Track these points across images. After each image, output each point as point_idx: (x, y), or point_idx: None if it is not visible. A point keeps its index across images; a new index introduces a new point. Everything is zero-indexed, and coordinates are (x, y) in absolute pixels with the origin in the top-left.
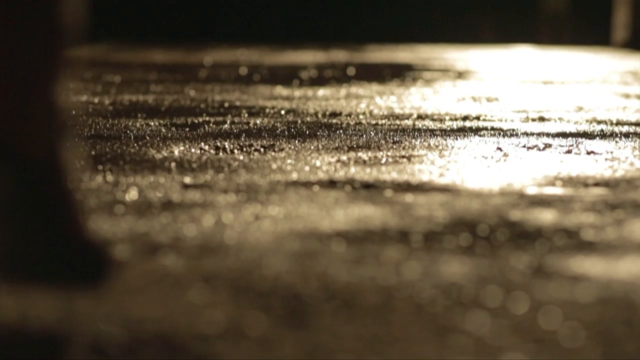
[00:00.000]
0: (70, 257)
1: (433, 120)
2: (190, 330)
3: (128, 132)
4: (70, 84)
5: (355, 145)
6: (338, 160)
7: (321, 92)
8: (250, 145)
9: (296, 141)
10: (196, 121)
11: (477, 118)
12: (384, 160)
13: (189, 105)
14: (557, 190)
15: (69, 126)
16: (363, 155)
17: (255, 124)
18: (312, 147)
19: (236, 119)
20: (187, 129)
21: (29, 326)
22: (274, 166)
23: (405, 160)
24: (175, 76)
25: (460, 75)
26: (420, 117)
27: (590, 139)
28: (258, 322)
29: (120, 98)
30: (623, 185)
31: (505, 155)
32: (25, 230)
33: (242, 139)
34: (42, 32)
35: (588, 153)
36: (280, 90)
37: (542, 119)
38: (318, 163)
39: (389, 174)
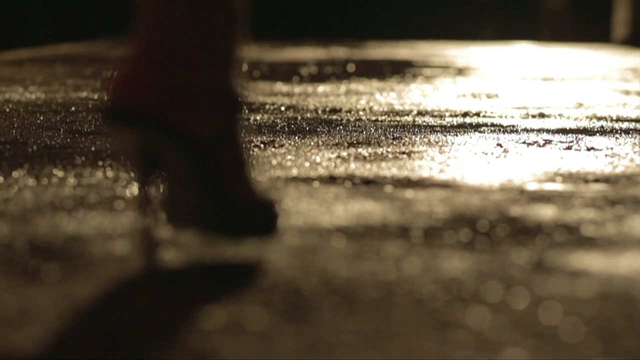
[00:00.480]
0: (248, 215)
1: (433, 116)
2: (190, 326)
3: None
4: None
5: (355, 142)
6: (338, 156)
7: (321, 88)
8: (250, 141)
9: (296, 137)
10: None
11: (477, 114)
12: (384, 157)
13: None
14: (557, 186)
15: (239, 113)
16: (363, 151)
17: (255, 120)
18: (312, 143)
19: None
20: None
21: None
22: (274, 162)
23: (405, 156)
24: None
25: (460, 71)
26: (420, 113)
27: (590, 135)
28: (258, 317)
29: None
30: (623, 181)
31: (506, 151)
32: (207, 194)
33: (242, 135)
34: (223, 27)
35: (588, 149)
36: (280, 86)
37: (542, 115)
38: (318, 159)
39: (389, 170)
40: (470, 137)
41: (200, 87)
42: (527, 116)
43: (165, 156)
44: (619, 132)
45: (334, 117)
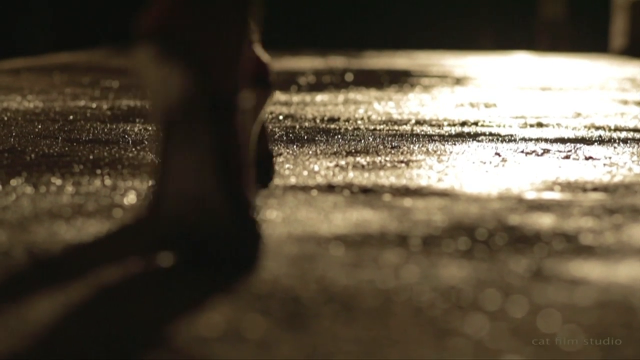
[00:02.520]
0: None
1: (431, 125)
2: (189, 333)
3: (126, 136)
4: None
5: (353, 150)
6: (336, 165)
7: (319, 97)
8: None
9: (294, 146)
10: None
11: (475, 124)
12: (382, 165)
13: None
14: (556, 195)
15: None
16: (361, 160)
17: None
18: (310, 152)
19: None
20: None
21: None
22: None
23: (403, 165)
24: None
25: (458, 81)
26: (418, 122)
27: (588, 144)
28: (257, 325)
29: (118, 103)
30: (621, 190)
31: (504, 160)
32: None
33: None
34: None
35: (586, 158)
36: (279, 95)
37: (540, 124)
38: (316, 168)
39: (388, 179)
40: (469, 146)
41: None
42: (525, 125)
43: None
44: (617, 141)
45: (332, 126)
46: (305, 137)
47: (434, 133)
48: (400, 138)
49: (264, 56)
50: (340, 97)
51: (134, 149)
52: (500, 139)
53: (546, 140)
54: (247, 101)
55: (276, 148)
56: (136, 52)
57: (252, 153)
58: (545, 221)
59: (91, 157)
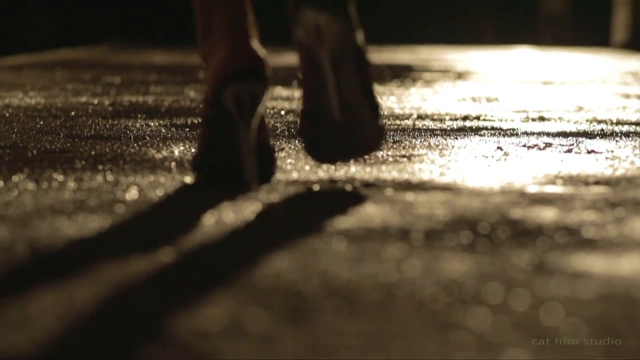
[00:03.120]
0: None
1: (433, 120)
2: (191, 327)
3: (128, 132)
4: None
5: None
6: None
7: None
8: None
9: (296, 141)
10: (196, 121)
11: (477, 118)
12: (384, 160)
13: (188, 105)
14: (558, 189)
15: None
16: None
17: None
18: None
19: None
20: (187, 129)
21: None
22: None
23: (405, 159)
24: (175, 77)
25: (460, 75)
26: (420, 117)
27: (590, 138)
28: (259, 319)
29: (120, 99)
30: (624, 183)
31: (506, 154)
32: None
33: None
34: None
35: (588, 152)
36: (280, 91)
37: (542, 118)
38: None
39: (390, 173)
40: (471, 141)
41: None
42: (527, 119)
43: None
44: (619, 135)
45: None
46: None
47: (436, 127)
48: (402, 132)
49: (261, 51)
50: None
51: (135, 145)
52: (502, 133)
53: (548, 134)
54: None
55: (278, 143)
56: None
57: (253, 148)
58: (547, 215)
59: (93, 153)
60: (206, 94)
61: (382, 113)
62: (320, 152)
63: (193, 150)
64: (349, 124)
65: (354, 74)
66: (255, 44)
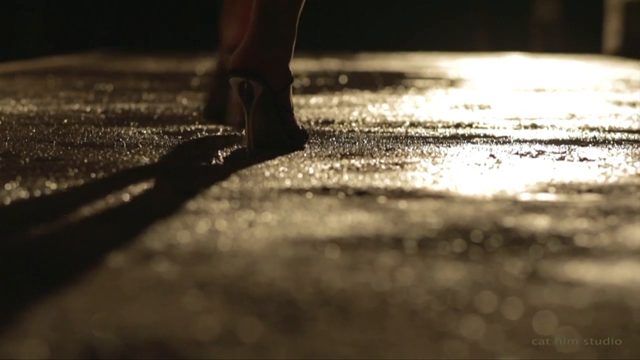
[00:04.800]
0: (297, 136)
1: (426, 127)
2: (184, 337)
3: (121, 140)
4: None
5: (348, 153)
6: (331, 168)
7: (314, 100)
8: (243, 153)
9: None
10: (189, 129)
11: (470, 125)
12: (377, 168)
13: (181, 113)
14: (551, 197)
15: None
16: (356, 162)
17: None
18: (305, 155)
19: (229, 127)
20: (180, 137)
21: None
22: (267, 173)
23: (398, 167)
24: (167, 85)
25: (453, 83)
26: (412, 124)
27: (582, 145)
28: (252, 328)
29: (112, 106)
30: (616, 191)
31: (498, 162)
32: (274, 118)
33: (235, 146)
34: (293, 36)
35: (581, 160)
36: None
37: (534, 126)
38: (311, 170)
39: (382, 181)
40: (463, 148)
41: (278, 63)
42: (519, 127)
43: (257, 92)
44: (611, 142)
45: (327, 128)
46: None
47: (428, 135)
48: (394, 140)
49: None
50: (335, 99)
51: (128, 153)
52: (494, 140)
53: (540, 141)
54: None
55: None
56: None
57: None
58: (540, 223)
59: (86, 160)
60: (215, 70)
61: (306, 139)
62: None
63: (185, 157)
64: (259, 138)
65: (274, 117)
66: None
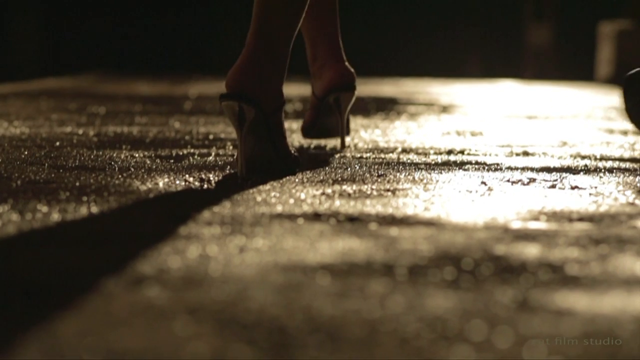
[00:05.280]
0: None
1: (418, 154)
2: None
3: (112, 163)
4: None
5: (339, 179)
6: (323, 193)
7: None
8: (235, 178)
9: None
10: (181, 153)
11: (462, 152)
12: (368, 194)
13: (173, 137)
14: (542, 225)
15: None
16: (347, 188)
17: None
18: (296, 180)
19: (221, 151)
20: (172, 161)
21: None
22: (259, 199)
23: (389, 193)
24: (160, 108)
25: (445, 109)
26: (404, 150)
27: (574, 173)
28: (242, 354)
29: (104, 129)
30: (607, 220)
31: (490, 189)
32: (267, 140)
33: (227, 171)
34: (285, 59)
35: (572, 188)
36: None
37: (526, 153)
38: (302, 196)
39: (374, 208)
40: (455, 175)
41: (270, 84)
42: (511, 154)
43: (249, 115)
44: (602, 170)
45: (319, 153)
46: None
47: (420, 161)
48: (386, 166)
49: (351, 69)
50: None
51: (120, 176)
52: (486, 167)
53: (532, 169)
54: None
55: (262, 176)
56: None
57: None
58: (531, 251)
59: (77, 184)
60: (318, 93)
61: (298, 164)
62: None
63: (177, 182)
64: (251, 161)
65: (266, 141)
66: (348, 66)
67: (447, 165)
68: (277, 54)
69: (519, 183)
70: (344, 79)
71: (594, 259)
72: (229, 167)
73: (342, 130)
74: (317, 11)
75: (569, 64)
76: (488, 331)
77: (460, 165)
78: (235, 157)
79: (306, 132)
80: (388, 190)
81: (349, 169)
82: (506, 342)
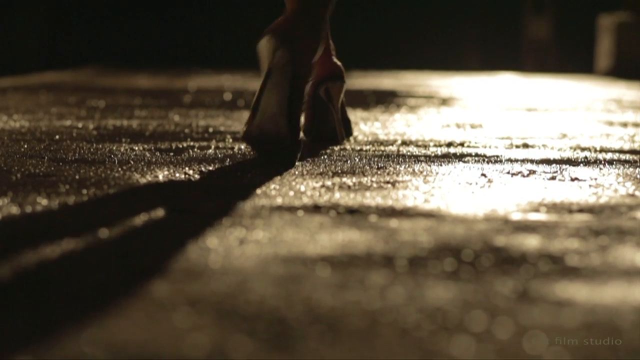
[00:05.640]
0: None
1: (417, 146)
2: (174, 354)
3: (112, 156)
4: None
5: (339, 171)
6: (322, 186)
7: None
8: (235, 170)
9: (280, 166)
10: (180, 146)
11: (462, 144)
12: (368, 186)
13: (173, 130)
14: (542, 216)
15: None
16: (347, 180)
17: (239, 149)
18: (296, 173)
19: (220, 144)
20: (172, 154)
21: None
22: (259, 191)
23: (389, 185)
24: (159, 101)
25: (445, 102)
26: (404, 143)
27: (574, 165)
28: (243, 346)
29: (104, 123)
30: (607, 211)
31: (490, 181)
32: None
33: (227, 163)
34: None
35: (572, 179)
36: None
37: (526, 145)
38: (302, 188)
39: (374, 200)
40: (455, 167)
41: (305, 53)
42: (511, 146)
43: (281, 61)
44: (602, 162)
45: (319, 146)
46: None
47: (420, 154)
48: (386, 159)
49: (339, 63)
50: None
51: (120, 169)
52: (486, 159)
53: (532, 161)
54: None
55: (262, 168)
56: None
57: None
58: (531, 242)
59: (77, 177)
60: (308, 90)
61: (299, 136)
62: (251, 143)
63: (177, 175)
64: (264, 123)
65: (280, 90)
66: (335, 59)
67: (446, 158)
68: (315, 27)
69: (519, 175)
70: (330, 71)
71: (594, 250)
72: (228, 159)
73: (338, 122)
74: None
75: (568, 57)
76: (488, 322)
77: (460, 157)
78: (243, 130)
79: (306, 133)
80: (388, 182)
81: (349, 162)
82: (506, 332)
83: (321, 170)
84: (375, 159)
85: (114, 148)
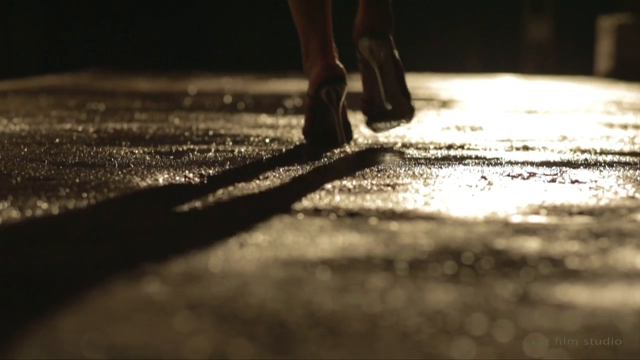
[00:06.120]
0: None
1: (417, 149)
2: (174, 358)
3: (112, 160)
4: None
5: (339, 174)
6: (322, 189)
7: None
8: (235, 173)
9: (280, 169)
10: (180, 149)
11: (462, 147)
12: (368, 189)
13: (173, 133)
14: (542, 219)
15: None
16: (347, 183)
17: (239, 152)
18: (296, 175)
19: (221, 147)
20: (172, 157)
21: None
22: (259, 194)
23: (389, 188)
24: (159, 104)
25: (445, 104)
26: (404, 145)
27: (574, 167)
28: (243, 350)
29: (104, 126)
30: (607, 214)
31: (490, 183)
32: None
33: (227, 167)
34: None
35: (572, 182)
36: (265, 118)
37: (526, 147)
38: (302, 191)
39: (374, 202)
40: (455, 170)
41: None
42: (511, 149)
43: (386, 53)
44: (602, 164)
45: (319, 148)
46: (291, 160)
47: (420, 156)
48: (386, 161)
49: (340, 65)
50: None
51: (120, 173)
52: (486, 162)
53: (532, 163)
54: None
55: (262, 172)
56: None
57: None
58: (531, 245)
59: (77, 180)
60: (309, 92)
61: (412, 98)
62: (374, 125)
63: (177, 178)
64: (391, 105)
65: (393, 75)
66: (337, 61)
67: (446, 160)
68: (390, 12)
69: (519, 177)
70: (331, 73)
71: (594, 252)
72: (228, 162)
73: (339, 125)
74: (306, 5)
75: (568, 58)
76: (488, 325)
77: (460, 159)
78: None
79: (306, 135)
80: (388, 185)
81: (348, 164)
82: (507, 335)
83: (321, 172)
84: (376, 162)
85: (114, 151)
